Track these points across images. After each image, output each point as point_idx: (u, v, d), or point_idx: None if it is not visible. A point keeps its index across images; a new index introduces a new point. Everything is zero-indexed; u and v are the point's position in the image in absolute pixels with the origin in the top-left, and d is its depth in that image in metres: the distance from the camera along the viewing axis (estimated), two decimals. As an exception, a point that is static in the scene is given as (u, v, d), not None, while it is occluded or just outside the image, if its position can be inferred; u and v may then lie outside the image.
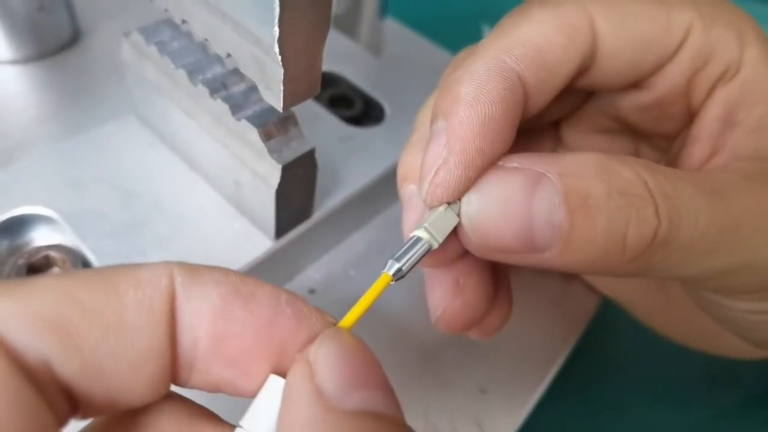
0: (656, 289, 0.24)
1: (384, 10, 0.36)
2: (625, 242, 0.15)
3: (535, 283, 0.28)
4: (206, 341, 0.11)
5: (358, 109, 0.30)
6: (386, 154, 0.27)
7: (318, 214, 0.24)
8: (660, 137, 0.21)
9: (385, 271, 0.14)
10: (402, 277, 0.14)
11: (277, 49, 0.16)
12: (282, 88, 0.17)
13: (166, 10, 0.20)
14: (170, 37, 0.23)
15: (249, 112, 0.21)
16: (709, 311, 0.20)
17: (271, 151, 0.20)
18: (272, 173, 0.20)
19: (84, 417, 0.11)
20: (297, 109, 0.20)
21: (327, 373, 0.11)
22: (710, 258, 0.16)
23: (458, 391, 0.24)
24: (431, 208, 0.16)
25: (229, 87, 0.21)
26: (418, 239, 0.15)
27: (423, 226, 0.15)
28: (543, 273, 0.29)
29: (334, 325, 0.13)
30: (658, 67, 0.18)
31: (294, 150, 0.21)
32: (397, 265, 0.14)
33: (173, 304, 0.11)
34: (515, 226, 0.15)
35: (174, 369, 0.11)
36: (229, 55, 0.19)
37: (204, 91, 0.21)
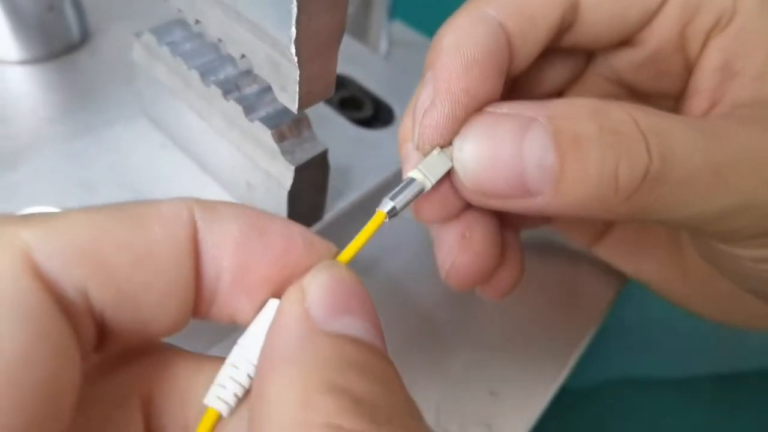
0: (673, 260, 0.24)
1: (392, 12, 0.36)
2: (617, 180, 0.15)
3: (545, 283, 0.28)
4: (228, 273, 0.12)
5: (367, 111, 0.30)
6: (396, 155, 0.27)
7: (329, 216, 0.24)
8: (664, 98, 0.21)
9: (379, 209, 0.15)
10: (395, 215, 0.15)
11: (293, 51, 0.16)
12: (297, 89, 0.17)
13: (179, 11, 0.20)
14: (182, 37, 0.23)
15: (262, 113, 0.21)
16: (718, 265, 0.20)
17: (284, 153, 0.20)
18: (285, 174, 0.20)
19: (110, 349, 0.11)
20: (308, 111, 0.20)
21: (316, 298, 0.11)
22: (706, 198, 0.16)
23: (468, 393, 0.24)
24: (425, 154, 0.16)
25: (242, 88, 0.21)
26: (412, 180, 0.16)
27: (417, 167, 0.16)
28: (553, 271, 0.29)
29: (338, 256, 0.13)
30: (644, 21, 0.18)
31: (307, 151, 0.20)
32: (391, 204, 0.15)
33: (196, 237, 0.11)
34: (507, 171, 0.15)
35: (197, 301, 0.12)
36: (243, 56, 0.19)
37: (217, 92, 0.21)
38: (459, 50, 0.16)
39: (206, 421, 0.12)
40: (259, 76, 0.22)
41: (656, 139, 0.15)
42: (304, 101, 0.18)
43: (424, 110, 0.16)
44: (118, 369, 0.12)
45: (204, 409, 0.12)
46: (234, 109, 0.21)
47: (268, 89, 0.21)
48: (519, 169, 0.15)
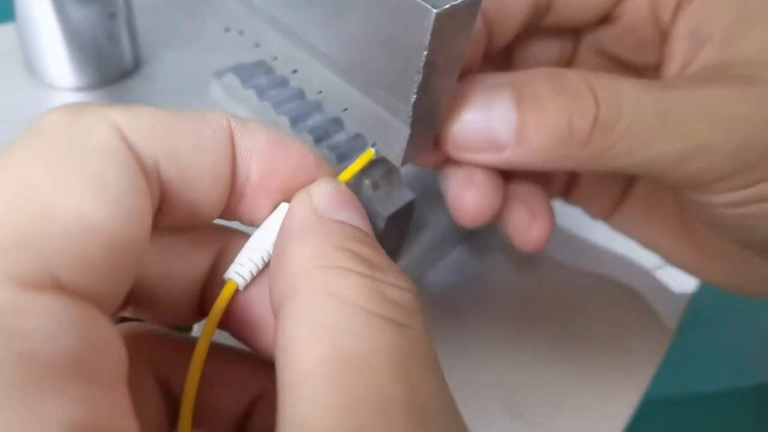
0: (680, 228, 0.25)
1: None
2: (571, 129, 0.18)
3: (615, 298, 0.29)
4: (256, 175, 0.14)
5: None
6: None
7: (406, 260, 0.24)
8: (650, 69, 0.23)
9: (369, 148, 0.18)
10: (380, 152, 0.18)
11: (410, 114, 0.17)
12: (406, 147, 0.18)
13: (275, 59, 0.21)
14: (267, 81, 0.23)
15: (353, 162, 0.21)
16: (703, 220, 0.22)
17: (376, 202, 0.20)
18: (375, 223, 0.21)
19: (162, 225, 0.13)
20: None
21: (321, 197, 0.14)
22: (659, 141, 0.18)
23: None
24: None
25: (331, 135, 0.22)
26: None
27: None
28: (607, 314, 0.29)
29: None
30: None
31: (396, 201, 0.21)
32: (376, 149, 0.18)
33: (232, 141, 0.13)
34: (479, 129, 0.19)
35: (230, 197, 0.14)
36: (345, 110, 0.19)
37: (308, 139, 0.21)
38: None
39: (226, 291, 0.14)
40: (348, 124, 0.22)
41: (603, 92, 0.18)
42: (409, 157, 0.18)
43: None
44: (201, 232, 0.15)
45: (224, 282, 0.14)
46: (326, 157, 0.21)
47: (358, 137, 0.22)
48: (490, 128, 0.18)
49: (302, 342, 0.11)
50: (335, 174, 0.15)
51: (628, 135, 0.18)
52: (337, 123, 0.22)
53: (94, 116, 0.11)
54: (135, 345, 0.14)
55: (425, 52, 0.15)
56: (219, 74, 0.24)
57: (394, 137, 0.18)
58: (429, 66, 0.16)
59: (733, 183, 0.19)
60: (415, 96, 0.16)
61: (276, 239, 0.14)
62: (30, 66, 0.34)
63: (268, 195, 0.14)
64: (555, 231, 0.32)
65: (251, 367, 0.16)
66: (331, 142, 0.21)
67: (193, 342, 0.14)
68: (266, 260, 0.14)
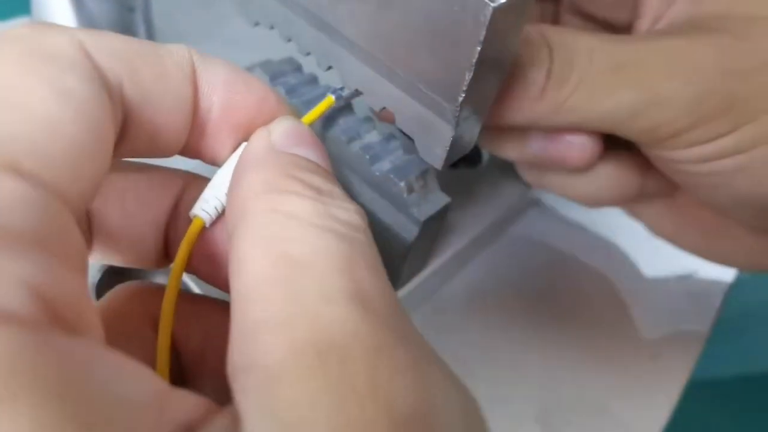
0: (664, 201, 0.25)
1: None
2: (527, 81, 0.18)
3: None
4: (218, 108, 0.14)
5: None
6: (488, 197, 0.27)
7: (436, 264, 0.23)
8: (628, 29, 0.23)
9: (329, 94, 0.18)
10: (340, 98, 0.18)
11: (456, 114, 0.16)
12: (449, 148, 0.17)
13: (308, 54, 0.20)
14: (295, 78, 0.22)
15: (387, 163, 0.20)
16: (677, 181, 0.22)
17: (411, 205, 0.20)
18: (409, 227, 0.20)
19: (123, 151, 0.13)
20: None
21: (279, 134, 0.14)
22: (613, 94, 0.18)
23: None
24: None
25: (362, 135, 0.21)
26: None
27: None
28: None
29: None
30: None
31: (432, 204, 0.20)
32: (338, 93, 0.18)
33: (194, 72, 0.14)
34: None
35: (191, 130, 0.14)
36: (384, 108, 0.18)
37: (340, 138, 0.20)
38: None
39: (193, 228, 0.14)
40: (378, 122, 0.21)
41: (558, 45, 0.18)
42: (449, 159, 0.17)
43: None
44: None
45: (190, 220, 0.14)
46: (358, 157, 0.20)
47: (390, 137, 0.21)
48: None
49: (249, 255, 0.11)
50: (296, 114, 0.16)
51: (582, 87, 0.18)
52: (368, 122, 0.21)
53: (58, 31, 0.12)
54: (135, 301, 0.15)
55: (478, 48, 0.14)
56: (246, 70, 0.23)
57: (434, 138, 0.17)
58: (480, 63, 0.15)
59: (692, 137, 0.19)
60: (463, 95, 0.15)
61: (233, 172, 0.14)
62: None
63: (229, 131, 0.14)
64: (584, 236, 0.31)
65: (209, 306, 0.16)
66: (363, 142, 0.20)
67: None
68: None
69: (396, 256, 0.21)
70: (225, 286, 0.15)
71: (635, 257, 0.31)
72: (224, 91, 0.14)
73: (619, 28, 0.23)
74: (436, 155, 0.17)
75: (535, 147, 0.22)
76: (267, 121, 0.15)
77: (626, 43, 0.18)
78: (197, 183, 0.16)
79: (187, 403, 0.10)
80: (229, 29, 0.38)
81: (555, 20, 0.24)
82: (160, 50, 0.13)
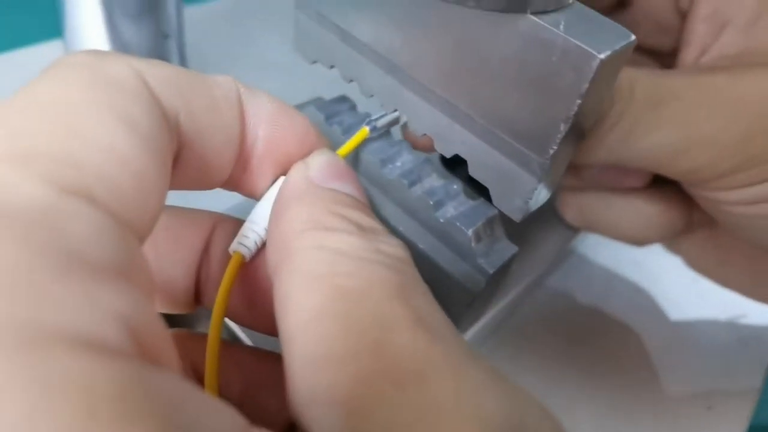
0: (707, 232, 0.24)
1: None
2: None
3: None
4: (262, 142, 0.14)
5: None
6: (535, 244, 0.26)
7: (495, 310, 0.22)
8: (670, 56, 0.22)
9: (364, 126, 0.19)
10: (375, 129, 0.19)
11: (546, 166, 0.15)
12: (530, 199, 0.16)
13: (371, 96, 0.19)
14: (352, 118, 0.21)
15: (451, 209, 0.19)
16: (716, 218, 0.21)
17: (479, 255, 0.18)
18: (475, 278, 0.19)
19: (174, 182, 0.13)
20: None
21: (316, 168, 0.14)
22: (654, 131, 0.17)
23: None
24: None
25: (422, 179, 0.20)
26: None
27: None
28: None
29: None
30: None
31: (500, 254, 0.19)
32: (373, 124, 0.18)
33: (241, 104, 0.13)
34: None
35: (237, 161, 0.14)
36: (456, 155, 0.17)
37: (401, 182, 0.19)
38: None
39: (233, 264, 0.14)
40: (438, 165, 0.20)
41: None
42: (529, 210, 0.16)
43: None
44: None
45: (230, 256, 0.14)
46: (421, 202, 0.19)
47: (453, 180, 0.20)
48: None
49: (300, 291, 0.11)
50: (331, 147, 0.16)
51: (622, 123, 0.17)
52: (428, 164, 0.20)
53: (117, 59, 0.11)
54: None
55: (578, 102, 0.13)
56: (301, 107, 0.22)
57: (513, 188, 0.16)
58: (577, 115, 0.14)
59: (737, 179, 0.18)
60: (555, 147, 0.14)
61: (273, 207, 0.14)
62: (73, 86, 0.33)
63: (271, 165, 0.14)
64: (625, 283, 0.30)
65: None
66: (425, 187, 0.19)
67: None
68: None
69: (457, 307, 0.20)
70: (262, 326, 0.15)
71: (680, 303, 0.29)
72: (269, 125, 0.14)
73: (661, 55, 0.22)
74: (515, 206, 0.16)
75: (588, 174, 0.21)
76: (305, 155, 0.15)
77: (669, 78, 0.17)
78: (226, 224, 0.16)
79: None
80: (258, 56, 0.37)
81: None
82: (209, 81, 0.13)
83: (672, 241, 0.25)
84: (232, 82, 0.13)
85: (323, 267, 0.11)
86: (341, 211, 0.13)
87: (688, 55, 0.20)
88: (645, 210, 0.22)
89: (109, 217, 0.09)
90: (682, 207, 0.22)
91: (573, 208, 0.24)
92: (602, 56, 0.13)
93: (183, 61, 0.33)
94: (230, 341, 0.16)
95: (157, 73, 0.12)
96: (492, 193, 0.17)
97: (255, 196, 0.15)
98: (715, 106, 0.17)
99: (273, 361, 0.15)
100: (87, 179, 0.09)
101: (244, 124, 0.14)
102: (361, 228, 0.12)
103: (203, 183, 0.14)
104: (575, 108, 0.13)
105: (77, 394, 0.07)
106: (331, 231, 0.12)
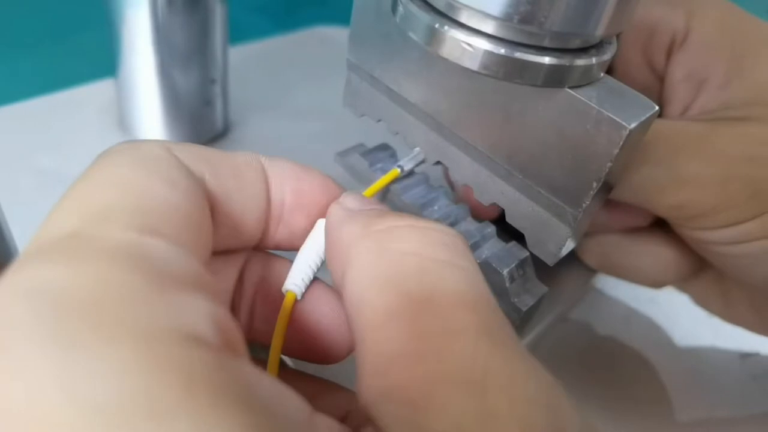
0: (711, 274, 0.25)
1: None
2: None
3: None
4: (290, 195, 0.16)
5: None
6: (556, 282, 0.28)
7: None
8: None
9: (394, 167, 0.21)
10: (402, 172, 0.21)
11: (579, 218, 0.17)
12: (564, 245, 0.18)
13: (415, 147, 0.21)
14: (393, 164, 0.23)
15: (486, 251, 0.21)
16: (709, 258, 0.22)
17: (512, 295, 0.20)
18: (509, 315, 0.20)
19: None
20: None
21: (351, 203, 0.16)
22: (643, 164, 0.19)
23: None
24: None
25: (459, 222, 0.22)
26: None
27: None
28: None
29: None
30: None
31: (532, 294, 0.21)
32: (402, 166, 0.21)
33: (264, 170, 0.16)
34: None
35: (268, 220, 0.16)
36: (494, 204, 0.19)
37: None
38: None
39: (287, 302, 0.16)
40: (471, 209, 0.22)
41: None
42: (562, 255, 0.18)
43: None
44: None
45: (282, 295, 0.16)
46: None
47: (487, 224, 0.22)
48: None
49: (370, 293, 0.12)
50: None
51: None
52: (462, 209, 0.22)
53: (149, 143, 0.14)
54: None
55: (609, 164, 0.15)
56: (343, 154, 0.24)
57: (548, 235, 0.18)
58: (608, 174, 0.16)
59: (718, 219, 0.19)
60: (588, 202, 0.16)
61: (325, 239, 0.16)
62: (123, 122, 0.35)
63: (302, 215, 0.16)
64: (638, 320, 0.31)
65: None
66: (459, 228, 0.21)
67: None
68: (315, 270, 0.17)
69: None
70: (313, 357, 0.17)
71: (695, 339, 0.31)
72: (293, 179, 0.16)
73: None
74: (549, 252, 0.18)
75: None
76: (331, 201, 0.16)
77: (657, 123, 0.19)
78: (258, 256, 0.17)
79: (333, 427, 0.11)
80: (296, 100, 0.40)
81: None
82: (231, 153, 0.15)
83: (682, 282, 0.27)
84: (252, 153, 0.16)
85: (390, 267, 0.12)
86: (389, 214, 0.14)
87: (672, 112, 0.22)
88: (663, 254, 0.24)
89: (176, 246, 0.12)
90: (693, 250, 0.24)
91: (594, 253, 0.26)
92: (631, 126, 0.15)
93: (225, 104, 0.35)
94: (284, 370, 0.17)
95: (182, 147, 0.14)
96: (527, 239, 0.19)
97: (295, 248, 0.17)
98: (695, 150, 0.19)
99: (314, 382, 0.17)
100: (154, 222, 0.12)
101: (268, 184, 0.16)
102: (415, 220, 0.14)
103: (239, 240, 0.16)
104: (606, 169, 0.15)
105: (179, 376, 0.09)
106: (389, 229, 0.13)
